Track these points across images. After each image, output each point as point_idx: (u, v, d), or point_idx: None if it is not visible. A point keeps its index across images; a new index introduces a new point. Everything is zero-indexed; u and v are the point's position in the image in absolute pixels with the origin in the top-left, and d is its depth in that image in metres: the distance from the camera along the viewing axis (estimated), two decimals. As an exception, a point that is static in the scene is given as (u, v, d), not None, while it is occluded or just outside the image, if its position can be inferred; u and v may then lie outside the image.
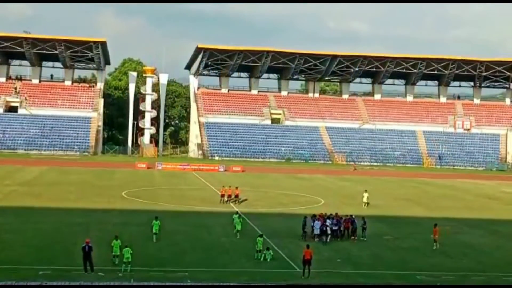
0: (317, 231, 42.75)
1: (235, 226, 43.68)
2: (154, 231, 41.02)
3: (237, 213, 45.23)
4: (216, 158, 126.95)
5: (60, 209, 54.56)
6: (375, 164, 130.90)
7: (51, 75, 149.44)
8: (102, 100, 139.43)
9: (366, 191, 63.38)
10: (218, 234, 44.09)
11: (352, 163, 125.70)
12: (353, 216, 46.43)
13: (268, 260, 37.23)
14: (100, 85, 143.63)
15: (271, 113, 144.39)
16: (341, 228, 44.60)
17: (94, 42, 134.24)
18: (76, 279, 31.74)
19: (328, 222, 44.02)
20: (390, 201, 70.73)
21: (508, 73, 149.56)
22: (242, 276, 33.75)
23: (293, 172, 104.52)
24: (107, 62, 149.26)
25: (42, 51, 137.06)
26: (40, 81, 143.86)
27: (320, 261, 38.00)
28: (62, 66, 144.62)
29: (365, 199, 61.97)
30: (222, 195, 62.38)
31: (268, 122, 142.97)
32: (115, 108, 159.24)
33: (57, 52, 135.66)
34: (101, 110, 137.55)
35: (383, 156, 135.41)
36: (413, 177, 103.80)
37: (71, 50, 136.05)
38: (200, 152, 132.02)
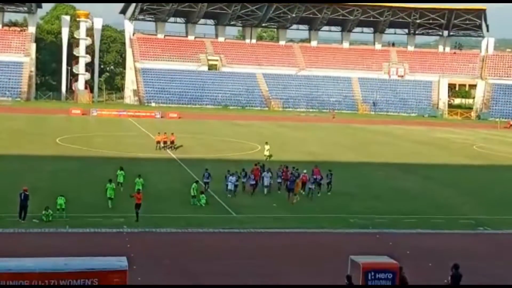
0: (231, 187, 40.74)
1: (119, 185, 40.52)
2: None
3: (121, 168, 42.12)
4: (153, 104, 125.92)
5: (-8, 156, 53.53)
6: (311, 110, 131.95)
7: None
8: (34, 45, 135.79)
9: (266, 143, 60.26)
10: (154, 181, 44.00)
11: (331, 110, 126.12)
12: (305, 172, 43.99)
13: (203, 204, 37.52)
14: (32, 29, 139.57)
15: (208, 60, 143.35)
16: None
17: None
18: (9, 226, 31.43)
19: (267, 174, 43.30)
20: (325, 147, 71.66)
21: (442, 21, 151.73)
22: (179, 222, 33.97)
23: (230, 118, 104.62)
24: (39, 5, 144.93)
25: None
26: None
27: (256, 207, 38.50)
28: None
29: (265, 152, 58.57)
30: (158, 142, 62.25)
31: (205, 68, 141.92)
32: (48, 53, 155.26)
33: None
34: (33, 55, 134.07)
35: (319, 103, 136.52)
36: (348, 123, 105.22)
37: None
38: (136, 98, 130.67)
